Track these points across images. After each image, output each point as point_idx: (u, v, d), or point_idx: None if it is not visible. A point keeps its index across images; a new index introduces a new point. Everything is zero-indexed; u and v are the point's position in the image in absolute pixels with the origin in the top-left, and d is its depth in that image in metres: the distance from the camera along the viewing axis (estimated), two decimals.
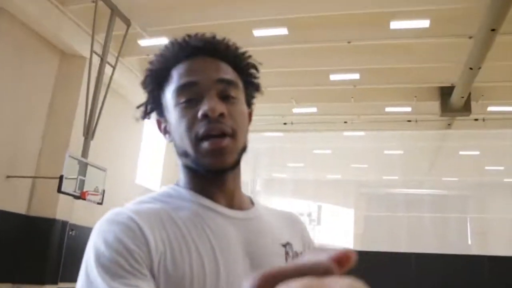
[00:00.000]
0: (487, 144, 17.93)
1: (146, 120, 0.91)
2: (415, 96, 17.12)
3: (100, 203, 8.81)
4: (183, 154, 0.83)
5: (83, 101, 9.56)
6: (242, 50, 0.87)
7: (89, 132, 9.02)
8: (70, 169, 7.99)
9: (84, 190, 8.29)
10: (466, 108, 17.56)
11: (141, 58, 12.13)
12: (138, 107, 0.88)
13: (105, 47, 9.80)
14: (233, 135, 0.80)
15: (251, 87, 0.89)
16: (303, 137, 17.46)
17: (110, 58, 10.14)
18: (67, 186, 7.86)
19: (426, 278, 15.23)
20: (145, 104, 0.88)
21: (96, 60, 9.69)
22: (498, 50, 12.70)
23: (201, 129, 0.79)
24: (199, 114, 0.79)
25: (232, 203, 0.85)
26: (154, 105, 0.87)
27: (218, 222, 0.81)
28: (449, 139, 18.48)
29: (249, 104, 0.89)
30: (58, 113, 10.18)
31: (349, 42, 11.19)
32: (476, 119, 18.19)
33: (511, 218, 16.79)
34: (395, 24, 10.30)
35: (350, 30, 10.80)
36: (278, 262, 0.81)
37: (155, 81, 0.85)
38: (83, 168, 8.38)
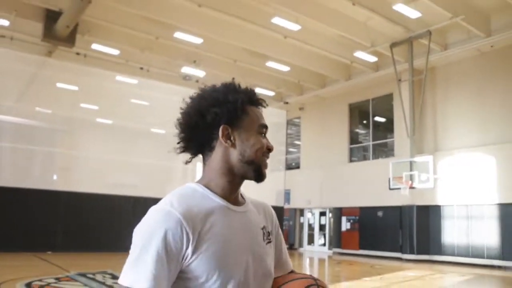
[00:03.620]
0: (86, 81, 18.01)
1: None
2: (16, 10, 15.46)
3: None
4: (250, 161, 1.25)
5: None
6: None
7: None
8: None
9: None
10: (70, 40, 17.19)
11: None
12: (204, 107, 1.26)
13: None
14: None
15: None
16: None
17: None
18: None
19: (3, 211, 14.71)
20: (221, 110, 1.25)
21: None
22: None
23: (266, 153, 1.28)
24: (269, 146, 1.29)
25: (236, 200, 1.28)
26: (226, 115, 1.25)
27: (232, 215, 1.23)
28: (47, 68, 17.75)
29: None
30: None
31: None
32: (78, 53, 18.16)
33: (96, 156, 17.78)
34: None
35: None
36: (260, 239, 1.28)
37: (239, 104, 1.26)
38: None
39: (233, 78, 1.38)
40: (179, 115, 1.27)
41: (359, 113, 22.06)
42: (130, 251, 1.13)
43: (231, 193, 1.26)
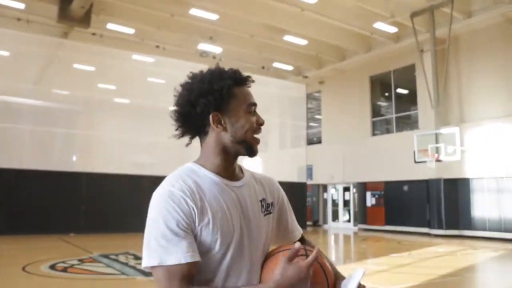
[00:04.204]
0: (102, 61, 17.90)
1: None
2: None
3: None
4: (241, 141, 1.35)
5: None
6: None
7: None
8: None
9: None
10: (85, 20, 17.10)
11: None
12: (194, 96, 1.35)
13: None
14: None
15: None
16: None
17: None
18: None
19: (26, 194, 14.95)
20: (212, 104, 1.35)
21: None
22: None
23: (257, 130, 1.37)
24: (260, 121, 1.38)
25: (232, 176, 1.39)
26: (217, 106, 1.35)
27: (225, 189, 1.34)
28: (63, 49, 17.68)
29: None
30: None
31: None
32: (94, 34, 18.08)
33: (114, 136, 17.79)
34: None
35: None
36: (256, 211, 1.39)
37: (226, 89, 1.35)
38: None
39: (217, 64, 1.46)
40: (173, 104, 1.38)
41: (380, 85, 21.63)
42: (145, 236, 1.26)
43: (225, 170, 1.37)
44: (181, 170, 1.36)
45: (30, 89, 16.94)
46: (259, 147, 1.40)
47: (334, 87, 23.25)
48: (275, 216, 1.48)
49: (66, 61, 17.71)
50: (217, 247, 1.27)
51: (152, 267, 1.22)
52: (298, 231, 1.58)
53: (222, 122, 1.35)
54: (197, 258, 1.22)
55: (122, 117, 18.53)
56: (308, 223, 21.98)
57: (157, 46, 19.29)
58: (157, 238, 1.22)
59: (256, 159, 1.56)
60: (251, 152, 1.37)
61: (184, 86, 1.38)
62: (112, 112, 18.85)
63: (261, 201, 1.43)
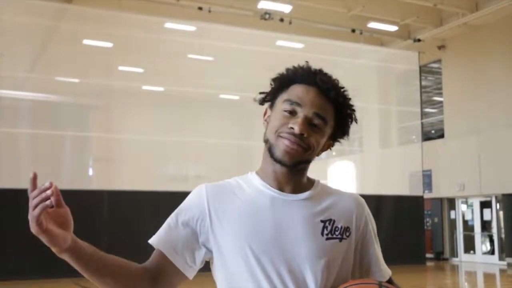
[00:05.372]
0: (123, 33, 17.08)
1: None
2: None
3: None
4: (265, 141, 1.53)
5: None
6: (348, 98, 1.57)
7: None
8: None
9: None
10: None
11: None
12: (260, 93, 1.61)
13: None
14: (305, 149, 1.48)
15: (341, 132, 1.59)
16: None
17: None
18: None
19: (25, 224, 12.74)
20: (265, 95, 1.60)
21: None
22: None
23: (283, 133, 1.48)
24: (290, 125, 1.47)
25: (287, 186, 1.54)
26: (269, 98, 1.59)
27: (267, 201, 1.51)
28: (68, 19, 16.79)
29: (333, 140, 1.60)
30: None
31: None
32: None
33: (144, 139, 16.75)
34: None
35: None
36: (311, 231, 1.49)
37: (279, 84, 1.57)
38: None
39: (306, 62, 1.63)
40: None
41: None
42: None
43: (274, 177, 1.55)
44: (239, 177, 1.65)
45: (25, 77, 16.35)
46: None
47: (462, 54, 20.96)
48: (352, 245, 1.57)
49: (72, 35, 16.66)
50: (236, 254, 1.48)
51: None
52: (386, 272, 1.63)
53: (267, 119, 1.61)
54: (159, 246, 1.52)
55: (153, 111, 17.88)
56: (428, 255, 20.52)
57: (200, 8, 17.63)
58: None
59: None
60: (273, 154, 1.52)
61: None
62: (139, 104, 18.06)
63: (324, 221, 1.54)
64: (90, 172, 17.36)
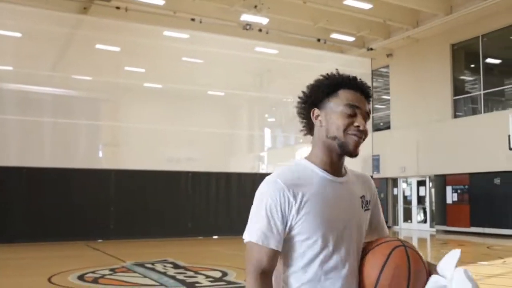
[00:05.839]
0: (129, 39, 18.11)
1: None
2: None
3: None
4: (333, 137, 1.72)
5: None
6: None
7: None
8: None
9: None
10: None
11: None
12: (303, 93, 1.82)
13: None
14: (364, 140, 1.73)
15: (368, 117, 1.79)
16: None
17: None
18: None
19: (47, 196, 15.30)
20: (309, 96, 1.80)
21: None
22: None
23: (351, 130, 1.70)
24: (356, 124, 1.70)
25: (337, 172, 1.75)
26: (316, 99, 1.78)
27: (330, 184, 1.72)
28: (83, 27, 17.89)
29: None
30: None
31: None
32: (118, 8, 17.96)
33: (146, 128, 18.09)
34: None
35: None
36: (358, 206, 1.77)
37: (325, 88, 1.76)
38: None
39: (336, 69, 1.84)
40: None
41: (465, 55, 21.21)
42: (250, 213, 1.70)
43: (331, 165, 1.75)
44: (291, 165, 1.77)
45: (47, 75, 17.47)
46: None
47: (405, 60, 22.77)
48: (370, 212, 1.86)
49: (87, 41, 18.00)
50: (314, 238, 1.65)
51: (246, 242, 1.67)
52: (387, 228, 1.98)
53: (320, 117, 1.75)
54: (279, 247, 1.64)
55: (153, 104, 18.91)
56: None
57: (193, 19, 19.02)
58: (258, 218, 1.65)
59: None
60: (344, 149, 1.72)
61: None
62: (142, 99, 19.27)
63: (361, 197, 1.81)
64: (100, 154, 18.56)
